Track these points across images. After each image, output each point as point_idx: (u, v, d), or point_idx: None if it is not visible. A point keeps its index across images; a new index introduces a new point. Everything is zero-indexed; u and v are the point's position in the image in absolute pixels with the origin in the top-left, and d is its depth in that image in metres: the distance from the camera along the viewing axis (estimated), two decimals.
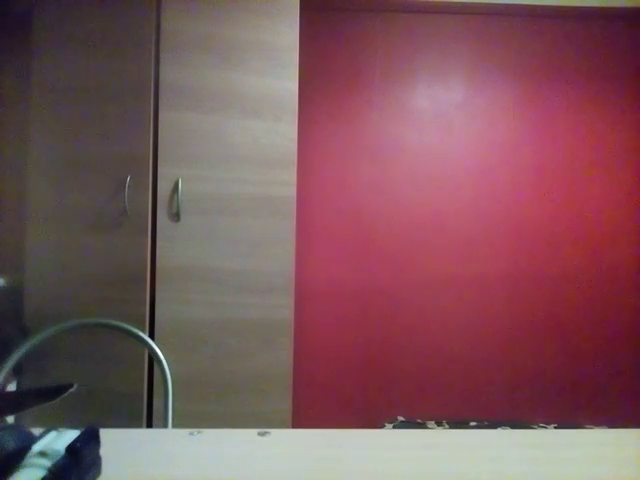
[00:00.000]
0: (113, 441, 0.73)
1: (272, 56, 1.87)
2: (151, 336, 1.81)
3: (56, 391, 0.73)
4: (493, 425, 2.18)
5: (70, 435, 0.58)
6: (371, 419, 2.30)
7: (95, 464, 0.60)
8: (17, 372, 1.77)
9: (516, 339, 2.35)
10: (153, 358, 1.21)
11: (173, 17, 1.82)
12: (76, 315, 1.78)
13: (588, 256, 2.37)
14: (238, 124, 1.86)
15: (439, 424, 2.21)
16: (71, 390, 0.74)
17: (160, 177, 1.82)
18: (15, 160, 2.14)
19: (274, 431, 0.79)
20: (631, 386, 2.36)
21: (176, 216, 1.82)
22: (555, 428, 2.17)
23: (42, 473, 0.51)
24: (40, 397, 0.72)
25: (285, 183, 1.88)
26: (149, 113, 1.80)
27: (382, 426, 2.22)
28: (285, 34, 1.88)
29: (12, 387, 1.74)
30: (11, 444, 0.55)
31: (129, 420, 1.77)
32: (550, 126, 2.38)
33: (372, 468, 0.67)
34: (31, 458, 0.53)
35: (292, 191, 1.88)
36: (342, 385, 2.31)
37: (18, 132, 2.13)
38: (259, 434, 0.77)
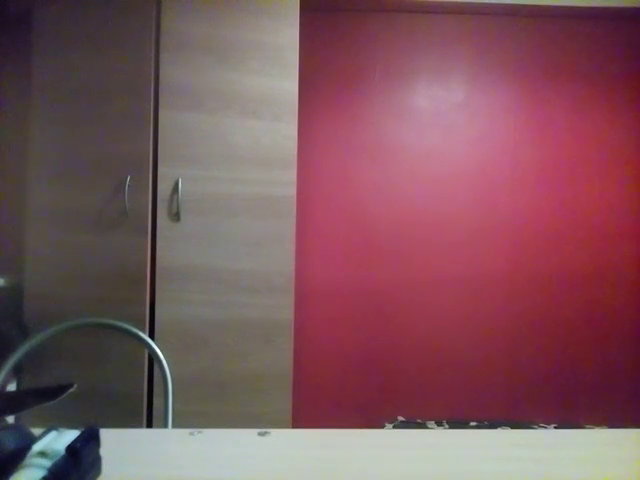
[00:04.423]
0: (113, 441, 0.73)
1: (272, 56, 1.87)
2: (151, 336, 1.81)
3: (56, 391, 0.73)
4: (493, 425, 2.18)
5: (70, 435, 0.58)
6: (371, 419, 2.30)
7: (95, 464, 0.60)
8: (17, 372, 1.77)
9: (516, 339, 2.35)
10: (153, 358, 1.21)
11: (173, 17, 1.82)
12: (76, 315, 1.78)
13: (588, 256, 2.37)
14: (238, 124, 1.86)
15: (439, 424, 2.21)
16: (71, 390, 0.74)
17: (160, 177, 1.82)
18: (15, 160, 2.14)
19: (274, 431, 0.78)
20: (631, 386, 2.36)
21: (176, 216, 1.82)
22: (555, 428, 2.17)
23: (42, 473, 0.51)
24: (40, 397, 0.72)
25: (285, 183, 1.88)
26: (149, 113, 1.80)
27: (382, 426, 2.22)
28: (285, 34, 1.88)
29: (12, 387, 1.74)
30: (11, 444, 0.55)
31: (129, 420, 1.77)
32: (550, 126, 2.38)
33: (372, 468, 0.67)
34: (31, 458, 0.53)
35: (292, 191, 1.88)
36: (342, 385, 2.31)
37: (18, 132, 2.13)
38: (259, 434, 0.77)
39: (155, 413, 1.79)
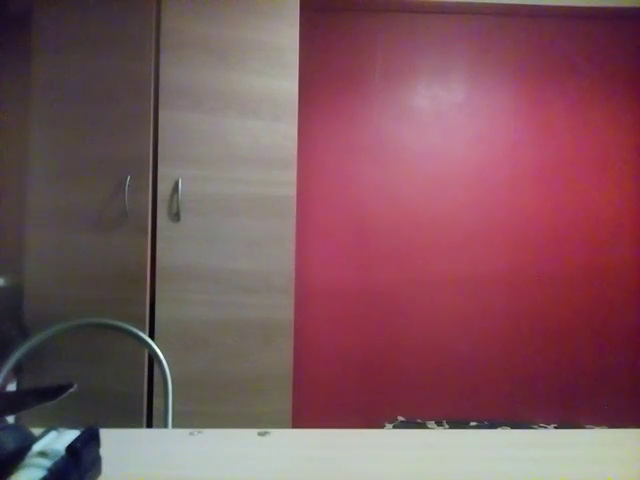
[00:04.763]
0: (113, 441, 0.73)
1: (272, 56, 1.87)
2: (151, 336, 1.81)
3: (56, 391, 0.73)
4: (493, 425, 2.18)
5: (70, 435, 0.58)
6: (371, 419, 2.30)
7: (95, 464, 0.60)
8: (17, 372, 1.77)
9: (516, 339, 2.35)
10: (153, 358, 1.21)
11: (173, 17, 1.82)
12: (76, 315, 1.78)
13: (588, 256, 2.37)
14: (238, 124, 1.86)
15: (439, 424, 2.21)
16: (71, 390, 0.74)
17: (160, 177, 1.82)
18: (15, 160, 2.14)
19: (274, 431, 0.78)
20: (631, 386, 2.36)
21: (176, 216, 1.82)
22: (555, 428, 2.17)
23: (42, 473, 0.51)
24: (40, 397, 0.72)
25: (285, 183, 1.88)
26: (149, 113, 1.80)
27: (382, 426, 2.22)
28: (285, 34, 1.88)
29: (12, 387, 1.74)
30: (11, 444, 0.55)
31: (129, 420, 1.77)
32: (550, 126, 2.38)
33: (372, 468, 0.67)
34: (31, 458, 0.53)
35: (292, 191, 1.88)
36: (342, 385, 2.31)
37: (18, 132, 2.13)
38: (259, 434, 0.77)
39: (155, 413, 1.79)
